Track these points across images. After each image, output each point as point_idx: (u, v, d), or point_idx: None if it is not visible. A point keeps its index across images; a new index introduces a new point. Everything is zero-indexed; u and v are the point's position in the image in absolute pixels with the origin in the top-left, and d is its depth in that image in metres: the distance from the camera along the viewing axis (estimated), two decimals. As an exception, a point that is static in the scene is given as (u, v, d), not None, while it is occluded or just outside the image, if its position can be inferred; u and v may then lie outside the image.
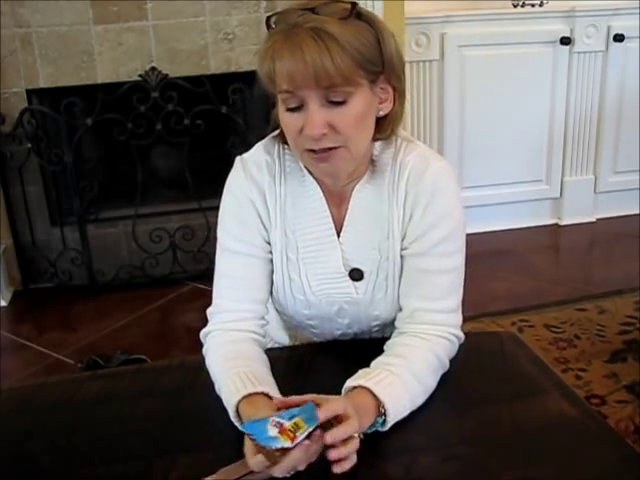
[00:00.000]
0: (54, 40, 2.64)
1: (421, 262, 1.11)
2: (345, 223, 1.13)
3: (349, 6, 0.98)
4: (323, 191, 1.12)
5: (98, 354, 2.24)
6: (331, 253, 1.14)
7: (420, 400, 1.03)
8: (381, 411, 0.97)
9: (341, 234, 1.14)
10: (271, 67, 0.97)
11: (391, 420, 0.98)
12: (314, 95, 0.97)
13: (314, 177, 1.11)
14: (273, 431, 0.86)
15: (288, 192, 1.13)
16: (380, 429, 0.98)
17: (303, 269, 1.15)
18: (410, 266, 1.13)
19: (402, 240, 1.12)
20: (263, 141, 1.16)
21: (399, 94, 1.07)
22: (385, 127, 1.08)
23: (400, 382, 1.01)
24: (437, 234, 1.09)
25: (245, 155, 1.15)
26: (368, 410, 0.96)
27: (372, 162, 1.11)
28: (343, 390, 1.01)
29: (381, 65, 1.01)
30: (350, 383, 1.00)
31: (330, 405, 0.90)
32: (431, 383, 1.06)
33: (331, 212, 1.13)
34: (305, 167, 1.12)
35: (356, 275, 1.15)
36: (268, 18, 1.00)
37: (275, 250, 1.15)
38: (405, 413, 1.00)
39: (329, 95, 0.97)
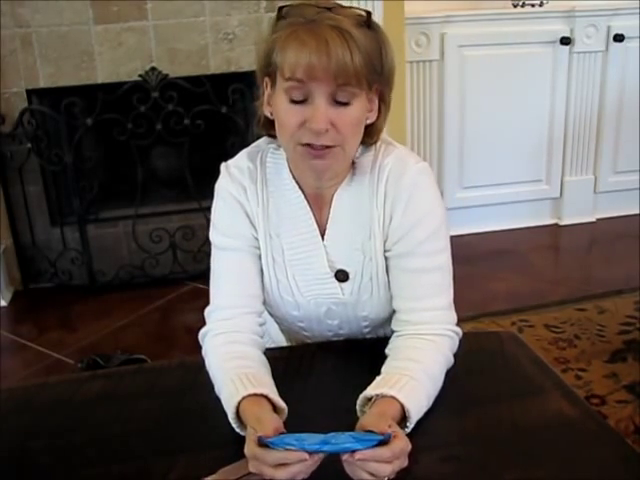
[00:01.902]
0: (54, 40, 2.64)
1: (407, 262, 1.12)
2: (328, 225, 1.15)
3: (364, 14, 1.02)
4: (305, 195, 1.14)
5: (98, 354, 2.24)
6: (316, 254, 1.16)
7: (433, 400, 1.04)
8: (406, 417, 0.98)
9: (325, 236, 1.15)
10: (289, 54, 0.98)
11: (411, 426, 0.98)
12: (323, 91, 0.99)
13: (296, 182, 1.13)
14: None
15: (270, 197, 1.15)
16: None
17: (290, 271, 1.17)
18: (397, 267, 1.14)
19: (385, 241, 1.13)
20: (247, 148, 1.19)
21: (386, 106, 1.10)
22: (372, 135, 1.11)
23: (420, 386, 1.01)
24: (419, 234, 1.10)
25: (229, 161, 1.18)
26: (397, 420, 0.96)
27: (353, 165, 1.13)
28: (361, 397, 1.00)
29: (380, 75, 1.04)
30: (372, 391, 0.99)
31: (396, 446, 0.88)
32: (441, 382, 1.08)
33: (314, 215, 1.15)
34: (289, 171, 1.13)
35: (341, 276, 1.17)
36: (280, 8, 1.02)
37: (261, 250, 1.17)
38: (421, 415, 1.01)
39: (337, 93, 1.00)
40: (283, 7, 1.02)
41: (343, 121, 1.01)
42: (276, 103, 1.04)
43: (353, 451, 0.85)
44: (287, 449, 0.85)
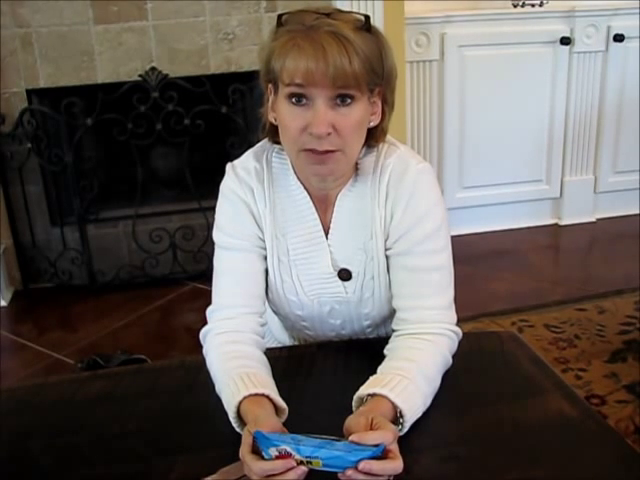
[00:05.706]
0: (54, 40, 2.64)
1: (407, 261, 1.13)
2: (332, 225, 1.16)
3: (362, 18, 1.03)
4: (310, 196, 1.15)
5: (98, 354, 2.24)
6: (320, 254, 1.17)
7: (430, 400, 1.04)
8: (398, 417, 0.97)
9: (328, 236, 1.16)
10: (287, 60, 0.99)
11: (408, 426, 0.98)
12: (323, 95, 1.00)
13: (301, 183, 1.14)
14: (272, 452, 0.85)
15: (276, 198, 1.16)
16: None
17: (294, 271, 1.18)
18: (397, 266, 1.14)
19: (386, 240, 1.14)
20: (253, 148, 1.19)
21: (390, 107, 1.11)
22: (377, 137, 1.12)
23: (413, 386, 1.01)
24: (419, 233, 1.11)
25: (235, 162, 1.18)
26: (390, 419, 0.96)
27: (356, 166, 1.14)
28: (355, 398, 1.00)
29: (381, 78, 1.05)
30: (364, 391, 1.00)
31: (388, 465, 0.86)
32: (439, 382, 1.07)
33: (318, 215, 1.16)
34: (294, 172, 1.14)
35: (345, 275, 1.18)
36: (280, 16, 1.03)
37: (267, 251, 1.17)
38: (418, 415, 1.00)
39: (337, 97, 1.01)
40: (283, 15, 1.04)
41: (344, 124, 1.02)
42: (279, 109, 1.05)
43: (345, 468, 0.84)
44: (274, 457, 0.84)
